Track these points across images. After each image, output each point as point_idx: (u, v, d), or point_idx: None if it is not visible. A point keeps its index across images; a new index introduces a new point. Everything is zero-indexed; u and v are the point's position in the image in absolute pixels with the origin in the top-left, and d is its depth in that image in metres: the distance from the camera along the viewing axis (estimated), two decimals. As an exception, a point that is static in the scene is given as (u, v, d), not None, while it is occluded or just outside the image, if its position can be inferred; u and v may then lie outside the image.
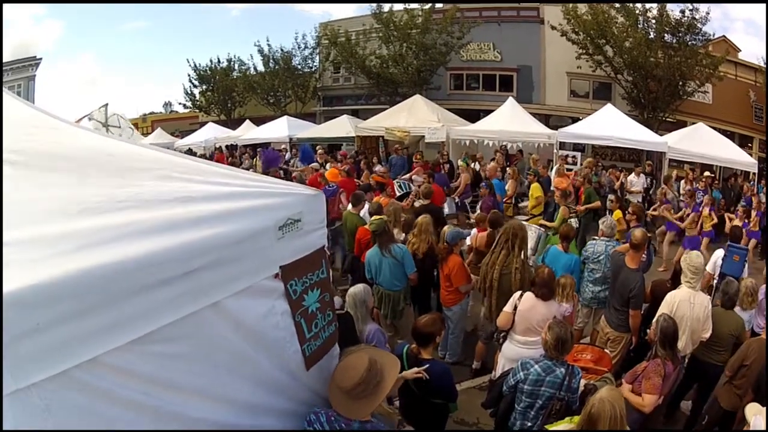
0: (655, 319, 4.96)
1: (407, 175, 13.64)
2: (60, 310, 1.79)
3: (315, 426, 3.01)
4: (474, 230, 8.00)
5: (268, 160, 18.35)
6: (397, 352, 4.47)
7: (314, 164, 14.99)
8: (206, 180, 2.71)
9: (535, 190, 11.62)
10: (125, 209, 2.25)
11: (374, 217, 6.67)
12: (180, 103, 39.01)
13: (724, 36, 24.87)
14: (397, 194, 11.14)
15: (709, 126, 16.70)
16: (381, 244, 6.40)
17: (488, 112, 19.47)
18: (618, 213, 9.57)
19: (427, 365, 4.09)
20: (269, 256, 2.78)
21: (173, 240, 2.21)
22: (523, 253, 6.16)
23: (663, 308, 5.35)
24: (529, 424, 4.24)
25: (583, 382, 4.32)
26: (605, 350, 5.41)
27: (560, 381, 4.06)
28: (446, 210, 11.00)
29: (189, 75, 35.97)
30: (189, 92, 36.68)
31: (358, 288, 4.95)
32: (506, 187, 12.62)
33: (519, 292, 5.40)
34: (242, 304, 2.63)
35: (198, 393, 2.46)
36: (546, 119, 23.22)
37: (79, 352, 1.88)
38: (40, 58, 35.07)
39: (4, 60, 31.55)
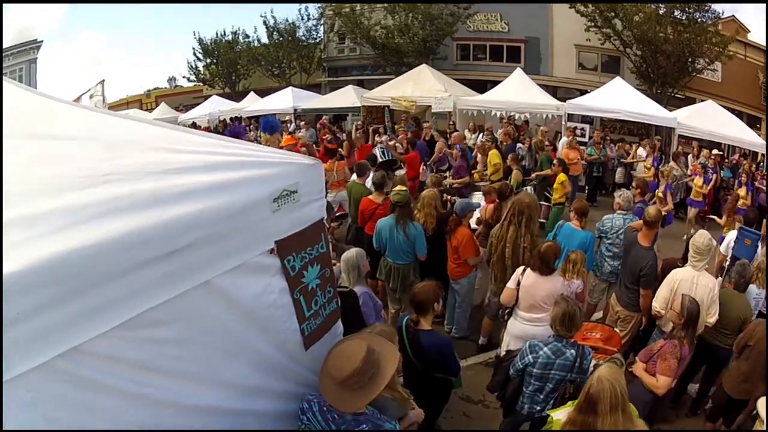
0: (665, 298, 4.81)
1: (391, 142, 13.54)
2: (38, 297, 1.68)
3: (308, 415, 2.86)
4: (482, 202, 7.82)
5: (232, 135, 18.13)
6: (398, 324, 4.42)
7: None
8: (196, 150, 2.56)
9: (494, 156, 11.53)
10: (109, 183, 2.11)
11: (398, 188, 6.37)
12: (184, 77, 39.17)
13: (733, 15, 24.34)
14: (379, 160, 10.90)
15: (719, 104, 16.42)
16: (399, 216, 6.16)
17: (495, 83, 19.27)
18: (562, 176, 9.80)
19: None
20: (263, 230, 2.62)
21: (157, 217, 2.06)
22: (533, 230, 5.97)
23: (663, 286, 5.24)
24: (538, 407, 4.17)
25: (592, 362, 4.19)
26: (615, 329, 5.27)
27: (571, 363, 3.96)
28: (423, 177, 11.05)
29: (194, 48, 36.17)
30: (193, 66, 36.80)
31: (351, 253, 4.83)
32: (476, 158, 12.66)
33: (522, 267, 5.26)
34: (235, 282, 2.48)
35: (190, 378, 2.35)
36: (554, 91, 22.92)
37: (60, 341, 1.78)
38: (41, 41, 34.73)
39: (5, 45, 31.55)
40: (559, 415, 3.40)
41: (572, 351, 3.97)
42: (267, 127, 15.64)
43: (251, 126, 21.02)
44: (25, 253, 1.68)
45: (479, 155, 12.46)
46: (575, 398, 3.64)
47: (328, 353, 2.89)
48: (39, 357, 1.71)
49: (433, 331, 4.30)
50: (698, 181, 11.84)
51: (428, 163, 12.25)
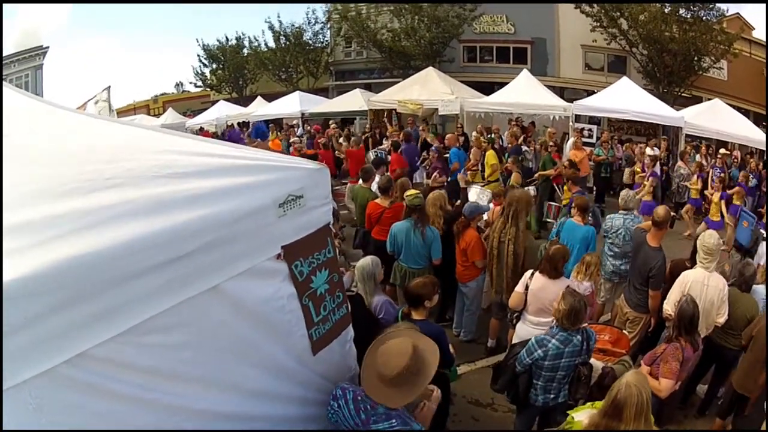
0: (676, 301, 4.78)
1: (384, 146, 13.64)
2: (45, 303, 1.69)
3: (340, 401, 2.91)
4: (491, 204, 7.81)
5: (231, 141, 18.15)
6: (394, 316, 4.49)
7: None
8: (200, 154, 2.57)
9: (490, 157, 11.58)
10: (114, 187, 2.11)
11: (412, 191, 6.42)
12: (191, 83, 39.56)
13: (737, 13, 24.17)
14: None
15: (725, 103, 16.34)
16: (417, 221, 6.20)
17: (502, 84, 19.10)
18: (516, 177, 9.89)
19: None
20: (269, 235, 2.62)
21: (164, 222, 2.06)
22: (519, 224, 5.98)
23: (675, 288, 5.19)
24: (552, 395, 4.23)
25: (600, 364, 4.20)
26: (623, 331, 5.25)
27: (579, 348, 4.04)
28: (417, 179, 11.27)
29: (198, 55, 36.52)
30: (199, 72, 37.14)
31: (366, 261, 4.81)
32: (470, 155, 12.57)
33: (530, 271, 5.24)
34: (242, 287, 2.49)
35: (199, 382, 2.35)
36: (561, 92, 22.86)
37: (67, 347, 1.79)
38: (47, 47, 34.49)
39: (10, 52, 31.75)
40: (581, 416, 3.38)
41: (578, 337, 4.03)
42: (259, 133, 15.76)
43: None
44: (30, 258, 1.68)
45: (474, 149, 12.45)
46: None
47: (373, 352, 2.94)
48: (44, 363, 1.72)
49: (426, 320, 4.34)
50: (738, 197, 10.71)
51: (424, 165, 12.36)
